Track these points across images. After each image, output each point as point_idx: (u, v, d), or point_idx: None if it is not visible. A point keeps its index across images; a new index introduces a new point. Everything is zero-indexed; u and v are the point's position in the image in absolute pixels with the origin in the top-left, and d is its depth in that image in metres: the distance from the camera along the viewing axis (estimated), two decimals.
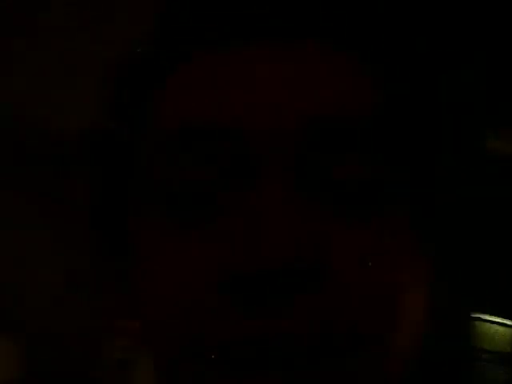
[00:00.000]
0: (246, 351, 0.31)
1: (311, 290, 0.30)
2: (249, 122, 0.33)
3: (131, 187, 0.38)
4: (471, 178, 0.40)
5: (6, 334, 1.70)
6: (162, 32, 0.38)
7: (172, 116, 0.35)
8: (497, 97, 0.81)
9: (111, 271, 0.42)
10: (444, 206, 0.38)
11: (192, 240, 0.33)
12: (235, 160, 0.33)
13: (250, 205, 0.32)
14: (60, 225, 1.46)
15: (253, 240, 0.30)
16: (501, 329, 1.66)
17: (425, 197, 0.36)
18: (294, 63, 0.34)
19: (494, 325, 1.65)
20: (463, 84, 0.44)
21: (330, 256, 0.31)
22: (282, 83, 0.33)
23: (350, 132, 0.33)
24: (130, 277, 0.38)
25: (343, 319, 0.31)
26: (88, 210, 0.42)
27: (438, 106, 0.37)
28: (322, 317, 0.31)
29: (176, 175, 0.34)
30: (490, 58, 0.76)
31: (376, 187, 0.33)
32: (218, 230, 0.32)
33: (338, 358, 0.31)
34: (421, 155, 0.35)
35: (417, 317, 0.35)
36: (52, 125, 1.12)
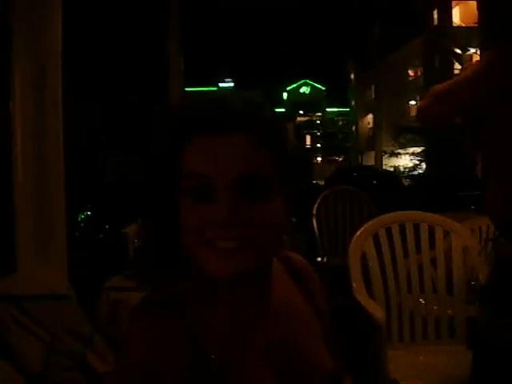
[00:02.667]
0: None
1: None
2: (213, 172, 0.91)
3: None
4: None
5: None
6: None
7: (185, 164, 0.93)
8: None
9: None
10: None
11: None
12: (205, 186, 0.92)
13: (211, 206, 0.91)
14: None
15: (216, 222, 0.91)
16: None
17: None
18: (232, 146, 0.92)
19: None
20: None
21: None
22: (227, 156, 0.91)
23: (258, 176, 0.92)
24: None
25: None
26: None
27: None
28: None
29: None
30: None
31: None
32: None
33: None
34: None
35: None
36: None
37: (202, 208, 0.92)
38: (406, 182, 23.40)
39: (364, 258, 2.61)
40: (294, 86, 79.78)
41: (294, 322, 1.05)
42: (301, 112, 76.49)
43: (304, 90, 79.62)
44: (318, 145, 72.52)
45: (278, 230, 0.96)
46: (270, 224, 0.93)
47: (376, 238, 2.67)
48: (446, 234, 2.77)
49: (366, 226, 2.72)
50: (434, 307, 2.67)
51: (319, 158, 67.81)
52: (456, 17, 35.34)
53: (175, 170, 0.95)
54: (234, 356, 0.96)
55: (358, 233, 2.67)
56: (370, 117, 55.66)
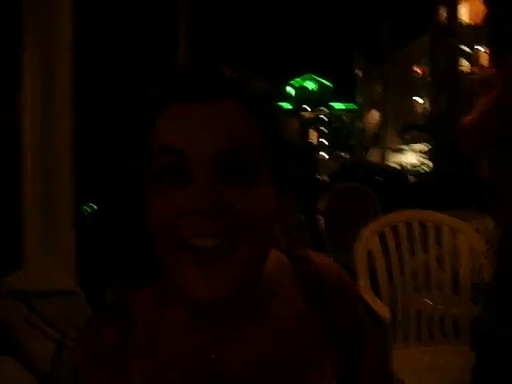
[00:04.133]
0: None
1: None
2: (190, 146, 0.74)
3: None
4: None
5: None
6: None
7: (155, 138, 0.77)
8: None
9: None
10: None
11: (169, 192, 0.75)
12: (178, 165, 0.75)
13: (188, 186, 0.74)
14: None
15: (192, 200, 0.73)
16: None
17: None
18: (214, 115, 0.75)
19: None
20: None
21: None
22: (208, 127, 0.75)
23: (243, 151, 0.76)
24: None
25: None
26: None
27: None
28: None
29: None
30: None
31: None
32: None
33: None
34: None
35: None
36: None
37: (174, 194, 0.75)
38: (412, 179, 23.33)
39: (370, 256, 2.61)
40: (299, 79, 79.56)
41: (285, 345, 0.85)
42: (307, 108, 76.46)
43: (310, 85, 79.47)
44: (324, 141, 72.42)
45: (269, 222, 0.79)
46: (261, 213, 0.76)
47: (382, 236, 2.67)
48: (453, 233, 2.77)
49: (371, 224, 2.72)
50: (440, 307, 2.68)
51: (325, 155, 67.75)
52: (463, 15, 35.22)
53: (145, 148, 0.79)
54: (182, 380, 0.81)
55: (364, 231, 2.67)
56: (376, 113, 55.55)
